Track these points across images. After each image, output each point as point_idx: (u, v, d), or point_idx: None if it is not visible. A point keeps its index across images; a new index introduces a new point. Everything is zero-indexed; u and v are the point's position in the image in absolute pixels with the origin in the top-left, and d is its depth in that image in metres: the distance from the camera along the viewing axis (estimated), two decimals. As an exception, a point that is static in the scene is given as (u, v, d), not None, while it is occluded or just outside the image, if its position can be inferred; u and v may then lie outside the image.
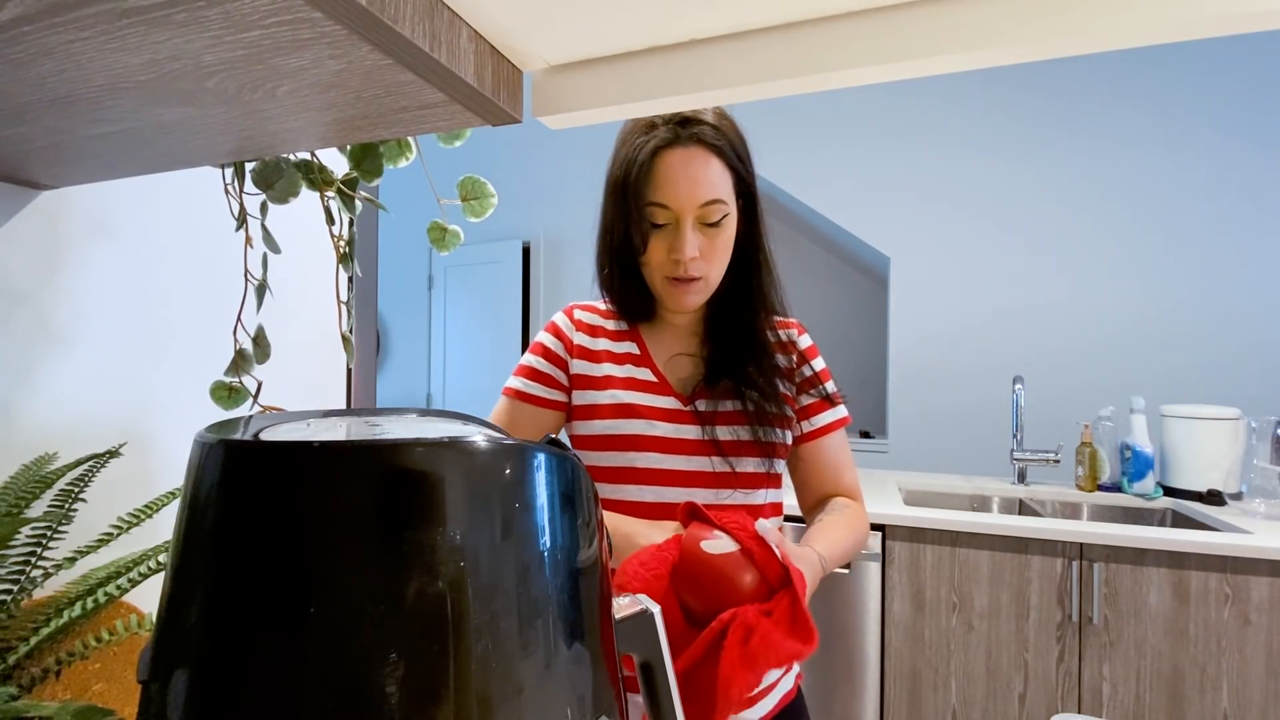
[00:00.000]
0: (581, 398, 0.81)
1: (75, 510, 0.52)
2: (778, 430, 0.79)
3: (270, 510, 0.25)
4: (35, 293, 0.60)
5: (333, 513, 0.25)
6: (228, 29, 0.29)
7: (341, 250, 0.66)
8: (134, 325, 0.69)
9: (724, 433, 0.77)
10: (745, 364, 0.79)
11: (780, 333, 0.84)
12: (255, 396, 0.63)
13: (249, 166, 0.59)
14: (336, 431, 0.31)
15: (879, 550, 1.68)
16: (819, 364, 0.85)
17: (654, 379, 0.81)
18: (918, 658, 1.64)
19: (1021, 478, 2.03)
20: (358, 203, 0.64)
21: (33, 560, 0.48)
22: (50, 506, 0.51)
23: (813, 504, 0.87)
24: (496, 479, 0.28)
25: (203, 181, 0.72)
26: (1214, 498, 1.73)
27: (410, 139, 0.61)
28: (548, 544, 0.29)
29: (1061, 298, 2.71)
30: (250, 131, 0.44)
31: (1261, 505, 1.63)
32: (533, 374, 0.83)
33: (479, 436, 0.28)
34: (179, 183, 0.72)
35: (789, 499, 0.89)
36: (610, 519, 0.74)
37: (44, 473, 0.54)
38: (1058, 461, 1.97)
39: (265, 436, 0.28)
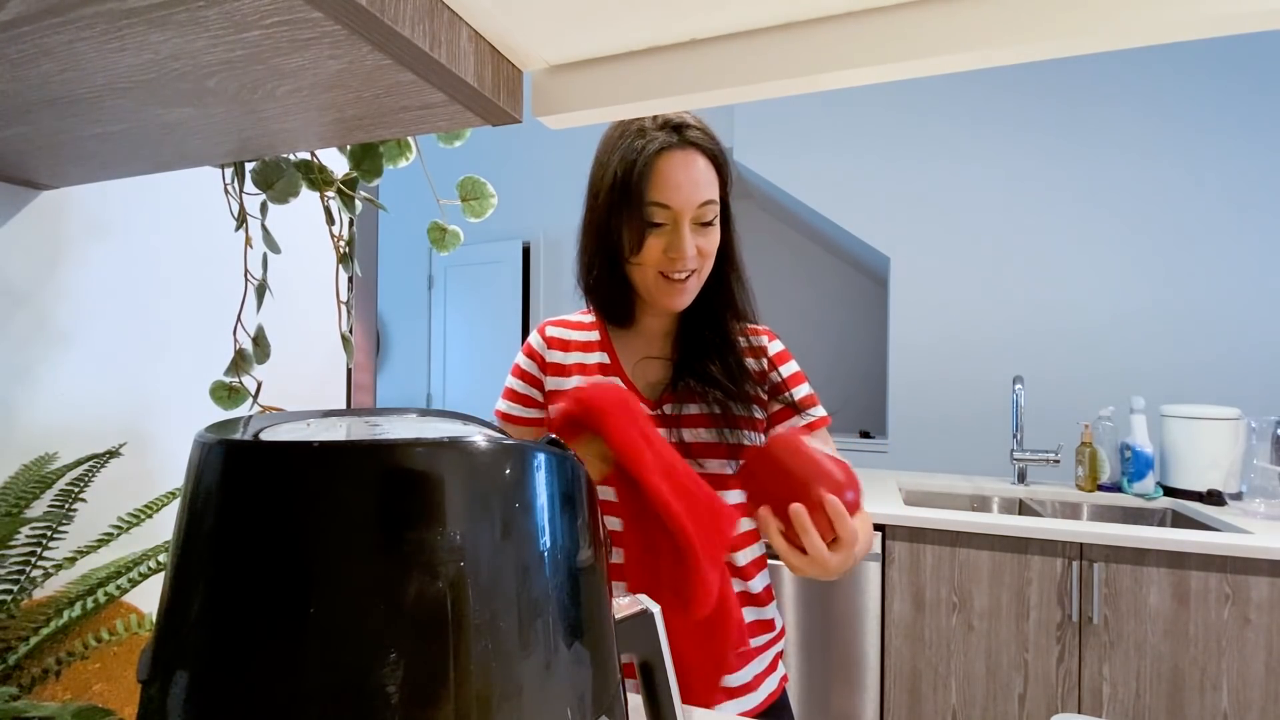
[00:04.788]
0: (555, 410, 0.83)
1: (75, 510, 0.52)
2: (745, 432, 0.80)
3: (270, 510, 0.25)
4: (35, 293, 0.60)
5: (333, 513, 0.25)
6: (228, 29, 0.29)
7: (341, 250, 0.66)
8: (134, 325, 0.69)
9: (689, 435, 0.78)
10: (711, 365, 0.80)
11: (751, 339, 0.85)
12: (255, 397, 0.63)
13: (249, 166, 0.59)
14: (336, 431, 0.31)
15: (879, 550, 1.68)
16: (790, 369, 0.86)
17: (622, 386, 0.81)
18: (918, 658, 1.64)
19: (1021, 478, 2.03)
20: (358, 203, 0.64)
21: (33, 560, 0.48)
22: (50, 506, 0.51)
23: None
24: (496, 479, 0.28)
25: (203, 181, 0.72)
26: (1214, 498, 1.73)
27: (410, 139, 0.61)
28: (548, 544, 0.29)
29: (1061, 298, 2.70)
30: (250, 131, 0.44)
31: (1261, 505, 1.63)
32: (514, 396, 0.88)
33: (479, 436, 0.28)
34: (179, 183, 0.72)
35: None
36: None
37: (44, 473, 0.54)
38: (1058, 461, 1.97)
39: (265, 436, 0.28)
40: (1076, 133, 2.67)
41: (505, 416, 0.88)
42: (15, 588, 0.47)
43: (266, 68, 0.33)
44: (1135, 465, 1.85)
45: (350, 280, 0.71)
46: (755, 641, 0.82)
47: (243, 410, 0.62)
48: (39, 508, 0.52)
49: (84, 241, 0.64)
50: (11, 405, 0.58)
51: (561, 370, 0.85)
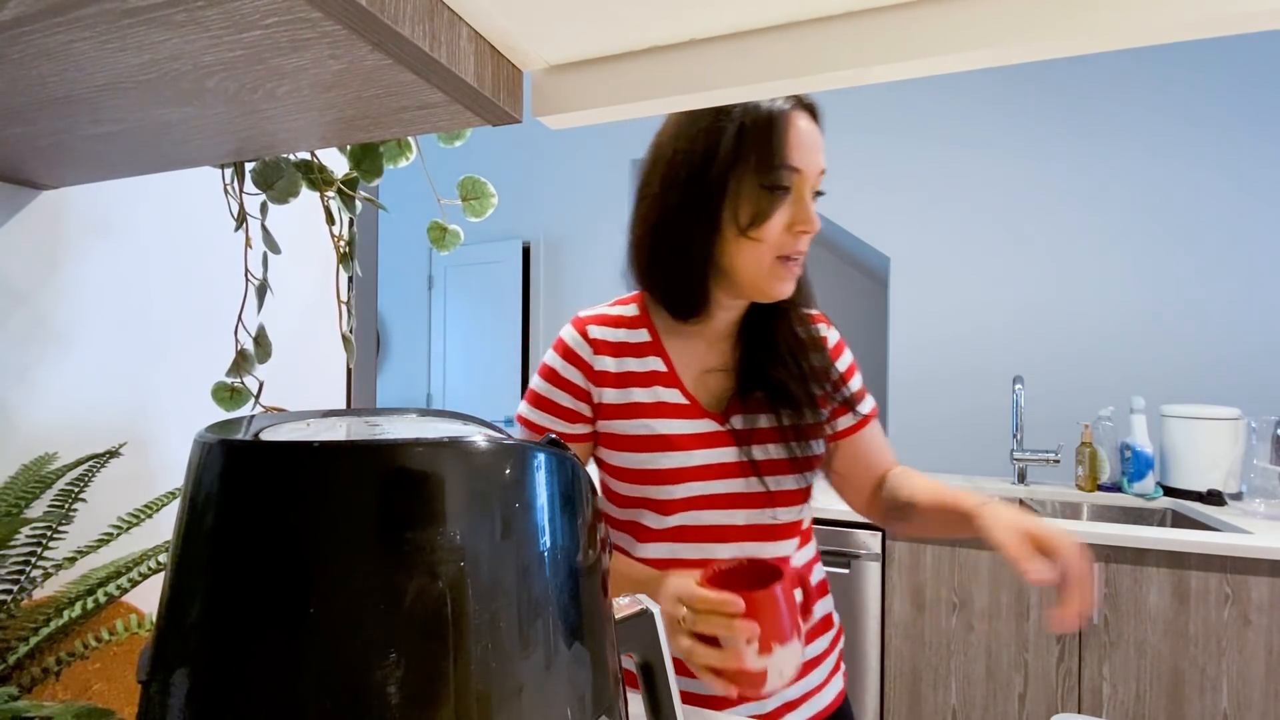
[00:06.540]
0: (608, 426, 0.75)
1: (75, 510, 0.52)
2: (814, 443, 0.75)
3: (270, 510, 0.25)
4: (35, 293, 0.60)
5: (333, 513, 0.25)
6: (228, 29, 0.29)
7: (341, 250, 0.66)
8: (134, 325, 0.69)
9: (759, 452, 0.73)
10: (779, 371, 0.74)
11: (811, 329, 0.78)
12: (257, 397, 0.63)
13: (249, 166, 0.59)
14: (336, 431, 0.31)
15: (879, 550, 1.68)
16: (846, 361, 0.81)
17: (685, 401, 0.74)
18: (918, 658, 1.64)
19: (1021, 478, 2.03)
20: (358, 203, 0.64)
21: (33, 560, 0.48)
22: (50, 506, 0.51)
23: (872, 490, 0.83)
24: (496, 479, 0.28)
25: (203, 181, 0.72)
26: (1214, 498, 1.73)
27: (410, 139, 0.61)
28: (548, 544, 0.29)
29: (1062, 298, 2.70)
30: (250, 131, 0.44)
31: (1261, 505, 1.63)
32: (550, 406, 0.76)
33: (479, 436, 0.28)
34: (179, 183, 0.72)
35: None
36: (620, 565, 0.72)
37: (44, 473, 0.53)
38: (1058, 462, 1.97)
39: (265, 436, 0.28)
40: (1077, 132, 2.67)
41: (533, 426, 0.76)
42: (15, 588, 0.47)
43: (266, 68, 0.33)
44: (1135, 465, 1.85)
45: (350, 280, 0.71)
46: (816, 647, 0.77)
47: (245, 411, 0.62)
48: (39, 508, 0.52)
49: (84, 241, 0.64)
50: (11, 405, 0.58)
51: (616, 380, 0.75)
